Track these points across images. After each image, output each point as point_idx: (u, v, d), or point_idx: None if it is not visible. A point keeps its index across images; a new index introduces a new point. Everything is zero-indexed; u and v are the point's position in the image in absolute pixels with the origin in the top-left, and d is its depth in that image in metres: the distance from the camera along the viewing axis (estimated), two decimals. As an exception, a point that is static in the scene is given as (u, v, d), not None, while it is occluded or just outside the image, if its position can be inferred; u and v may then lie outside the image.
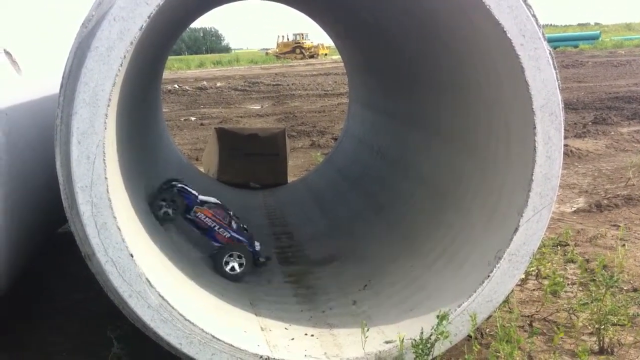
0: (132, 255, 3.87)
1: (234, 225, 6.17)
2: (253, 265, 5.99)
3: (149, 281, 3.91)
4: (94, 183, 3.78)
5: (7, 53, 5.43)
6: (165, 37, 7.36)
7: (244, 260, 5.82)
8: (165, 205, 5.80)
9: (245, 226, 6.47)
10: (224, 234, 6.03)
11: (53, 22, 7.35)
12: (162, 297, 3.93)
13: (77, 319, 5.70)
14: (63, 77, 3.89)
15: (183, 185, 6.11)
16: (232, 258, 5.80)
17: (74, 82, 3.78)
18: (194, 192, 6.14)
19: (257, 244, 6.28)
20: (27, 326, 5.57)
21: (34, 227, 5.40)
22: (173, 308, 3.95)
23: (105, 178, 3.79)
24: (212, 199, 6.28)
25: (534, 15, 4.06)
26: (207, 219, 6.01)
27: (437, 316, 4.13)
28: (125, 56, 3.79)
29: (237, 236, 6.07)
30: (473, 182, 5.16)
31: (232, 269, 5.78)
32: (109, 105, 3.78)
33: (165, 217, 5.78)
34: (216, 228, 6.02)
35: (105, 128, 3.79)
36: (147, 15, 3.78)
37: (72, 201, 3.84)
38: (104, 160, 3.79)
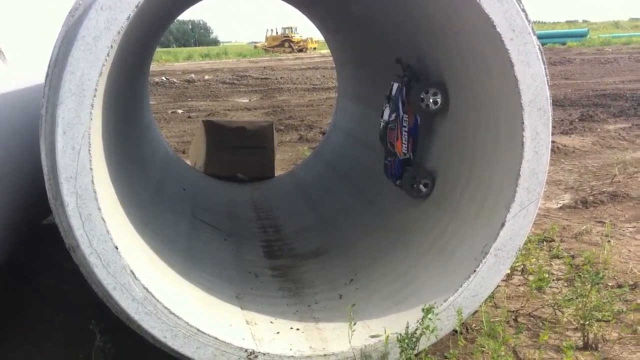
0: (116, 248, 3.83)
1: (391, 117, 5.89)
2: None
3: (133, 273, 3.87)
4: (79, 174, 3.74)
5: (-8, 42, 5.37)
6: (153, 27, 7.31)
7: (434, 89, 5.53)
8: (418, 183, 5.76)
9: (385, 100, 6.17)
10: (406, 118, 5.79)
11: (39, 10, 7.27)
12: (147, 290, 3.90)
13: (62, 311, 5.66)
14: (49, 66, 3.84)
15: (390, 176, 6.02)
16: (427, 96, 5.53)
17: (60, 71, 3.73)
18: (386, 162, 6.05)
19: (392, 82, 5.99)
20: (12, 318, 5.52)
21: (18, 218, 5.35)
22: (158, 301, 3.92)
23: (91, 169, 3.75)
24: None
25: (523, 10, 4.06)
26: (403, 141, 5.83)
27: (423, 309, 4.13)
28: (112, 46, 3.74)
29: (402, 104, 5.76)
30: (462, 176, 5.16)
31: (435, 102, 5.53)
32: (95, 96, 3.74)
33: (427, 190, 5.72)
34: (405, 128, 5.81)
35: (92, 118, 3.74)
36: (135, 4, 3.74)
37: (57, 192, 3.80)
38: (89, 151, 3.75)
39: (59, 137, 3.70)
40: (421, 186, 5.76)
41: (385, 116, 6.03)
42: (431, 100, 5.56)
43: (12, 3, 6.81)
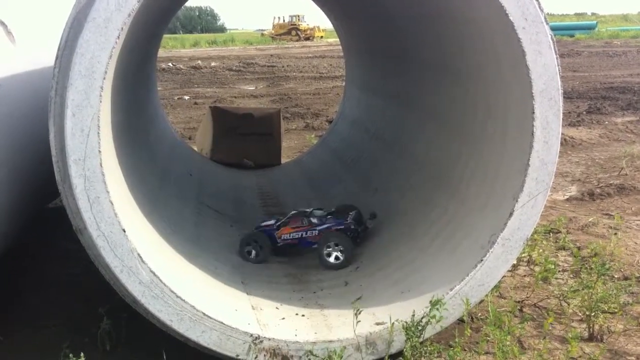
0: (124, 230, 3.84)
1: (314, 220, 6.12)
2: (356, 239, 5.99)
3: (140, 257, 3.88)
4: (88, 156, 3.74)
5: (2, 23, 5.35)
6: (162, 12, 7.28)
7: (342, 247, 5.78)
8: (253, 247, 5.91)
9: (331, 210, 6.37)
10: (314, 234, 6.03)
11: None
12: (154, 274, 3.91)
13: (67, 294, 5.68)
14: (59, 48, 3.83)
15: (262, 224, 6.20)
16: (329, 249, 5.79)
17: (70, 53, 3.73)
18: (268, 221, 6.22)
19: (350, 215, 6.15)
20: (17, 300, 5.55)
21: (25, 200, 5.36)
22: (164, 285, 3.93)
23: (99, 151, 3.76)
24: (290, 214, 6.27)
25: (536, -1, 4.03)
26: (292, 234, 6.05)
27: (431, 301, 4.13)
28: (122, 28, 3.74)
29: (324, 227, 6.03)
30: (469, 165, 5.14)
31: (337, 258, 5.76)
32: (105, 78, 3.74)
33: (257, 259, 5.89)
34: (304, 235, 6.05)
35: (101, 101, 3.75)
36: (145, -14, 3.73)
37: (65, 174, 3.80)
38: (98, 133, 3.75)
39: (68, 119, 3.70)
40: None
41: (316, 212, 6.28)
42: (335, 255, 5.77)
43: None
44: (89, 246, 3.94)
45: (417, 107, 6.82)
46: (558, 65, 4.12)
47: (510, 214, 4.25)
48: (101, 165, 3.76)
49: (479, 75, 5.04)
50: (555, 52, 4.10)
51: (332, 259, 5.76)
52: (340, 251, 5.77)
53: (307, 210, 6.34)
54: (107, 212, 3.81)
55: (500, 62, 4.54)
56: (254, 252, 5.90)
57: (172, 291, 3.95)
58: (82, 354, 3.93)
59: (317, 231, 6.04)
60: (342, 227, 6.03)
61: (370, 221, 6.21)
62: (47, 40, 5.59)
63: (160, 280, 3.94)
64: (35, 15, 6.44)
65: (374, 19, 7.60)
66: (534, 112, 4.11)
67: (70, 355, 3.95)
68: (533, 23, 4.01)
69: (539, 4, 4.03)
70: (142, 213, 4.68)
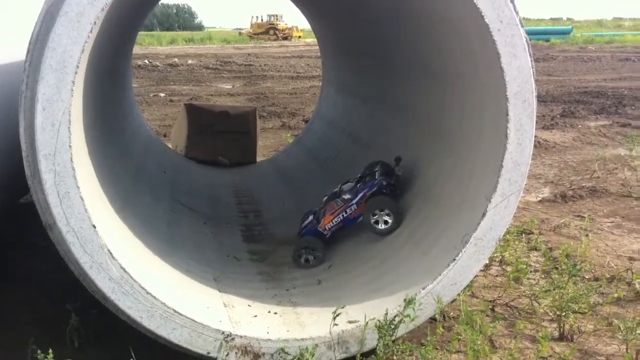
0: (94, 226, 3.79)
1: (346, 196, 5.90)
2: (395, 192, 5.76)
3: (110, 253, 3.84)
4: (58, 151, 3.69)
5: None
6: (137, 8, 7.22)
7: (389, 210, 5.55)
8: (307, 253, 5.76)
9: (355, 179, 6.12)
10: (353, 210, 5.81)
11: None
12: (124, 270, 3.87)
13: (38, 290, 5.61)
14: (30, 41, 3.77)
15: (303, 225, 6.07)
16: (375, 216, 5.58)
17: (42, 47, 3.68)
18: (307, 220, 6.09)
19: (376, 171, 5.92)
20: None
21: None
22: (135, 281, 3.89)
23: (70, 146, 3.71)
24: (324, 199, 6.13)
25: (512, 2, 4.06)
26: (334, 220, 5.87)
27: (405, 300, 4.13)
28: (95, 22, 3.69)
29: (359, 198, 5.79)
30: (445, 166, 5.17)
31: (385, 222, 5.56)
32: (76, 73, 3.69)
33: (317, 262, 5.74)
34: (345, 215, 5.84)
35: (72, 95, 3.70)
36: (119, -20, 3.69)
37: (35, 169, 3.75)
38: (69, 128, 3.70)
39: (38, 113, 3.65)
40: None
41: (345, 187, 6.06)
42: (384, 219, 5.59)
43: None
44: (59, 242, 3.89)
45: (394, 107, 6.83)
46: (533, 68, 4.15)
47: (483, 214, 4.27)
48: (72, 160, 3.71)
49: (456, 76, 5.06)
50: (530, 55, 4.13)
51: (382, 225, 5.57)
52: (387, 214, 5.56)
53: (336, 189, 6.14)
54: (77, 207, 3.76)
55: (476, 63, 4.56)
56: (311, 257, 5.75)
57: (142, 287, 3.91)
58: (50, 351, 3.87)
59: (355, 205, 5.80)
60: (375, 189, 5.75)
61: (398, 167, 5.90)
62: (19, 33, 5.51)
63: (131, 277, 3.89)
64: (6, 9, 6.35)
65: (351, 19, 7.61)
66: (508, 114, 4.13)
67: (39, 351, 3.89)
68: (508, 25, 4.04)
69: (514, 6, 4.05)
70: (113, 209, 4.63)
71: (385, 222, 5.55)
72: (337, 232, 5.93)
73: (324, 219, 5.90)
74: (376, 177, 5.83)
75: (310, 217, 6.10)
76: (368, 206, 5.64)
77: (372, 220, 5.57)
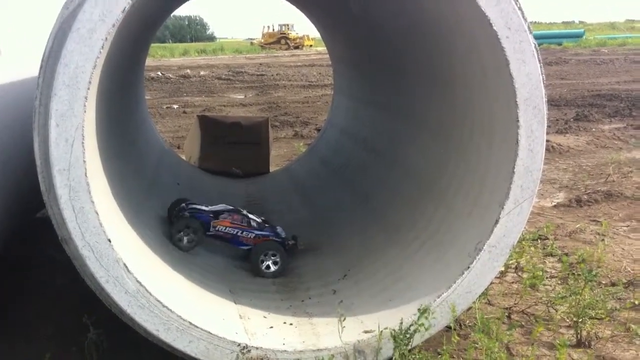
0: (109, 240, 3.82)
1: (253, 223, 6.16)
2: (285, 254, 6.02)
3: (126, 267, 3.87)
4: (72, 166, 3.73)
5: (-13, 33, 5.34)
6: (149, 21, 7.28)
7: (278, 257, 5.89)
8: (185, 234, 5.82)
9: (262, 218, 6.44)
10: (249, 236, 6.06)
11: (33, 2, 7.24)
12: (140, 283, 3.89)
13: (55, 304, 5.64)
14: (43, 58, 3.82)
15: (193, 206, 6.12)
16: (266, 257, 5.87)
17: (54, 63, 3.72)
18: (204, 207, 6.16)
19: (279, 229, 6.30)
20: (4, 311, 5.50)
21: (11, 211, 5.33)
22: (150, 294, 3.91)
23: (84, 161, 3.74)
24: (221, 206, 6.28)
25: (520, 8, 4.06)
26: (228, 229, 6.04)
27: (419, 309, 4.12)
28: (107, 38, 3.73)
29: (262, 234, 6.09)
30: (456, 174, 5.16)
31: (268, 267, 5.86)
32: (89, 88, 3.73)
33: (190, 246, 5.82)
34: (239, 233, 6.05)
35: (85, 111, 3.73)
36: (130, -3, 3.72)
37: (50, 185, 3.79)
38: (82, 143, 3.74)
39: (52, 129, 3.69)
40: None
41: (252, 215, 6.30)
42: (270, 261, 5.90)
43: (7, -5, 6.78)
44: (75, 256, 3.92)
45: (405, 115, 6.83)
46: (542, 73, 4.14)
47: (496, 222, 4.26)
48: (86, 176, 3.75)
49: (466, 84, 5.06)
50: (539, 60, 4.12)
51: (265, 268, 5.85)
52: (275, 262, 5.87)
53: (243, 210, 6.34)
54: (92, 222, 3.79)
55: (485, 71, 4.56)
56: (185, 239, 5.81)
57: (158, 301, 3.93)
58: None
59: (253, 235, 6.06)
60: (279, 240, 6.12)
61: (290, 242, 6.28)
62: (32, 50, 5.57)
63: (147, 290, 3.92)
64: (20, 26, 6.43)
65: (361, 29, 7.63)
66: (518, 121, 4.13)
67: (57, 365, 3.92)
68: (516, 32, 4.04)
69: (522, 13, 4.05)
70: (128, 223, 4.66)
71: (268, 267, 5.88)
72: (215, 239, 6.08)
73: (222, 220, 6.07)
74: (282, 233, 6.26)
75: (205, 208, 6.19)
76: (264, 245, 5.95)
77: (260, 259, 5.86)
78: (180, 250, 5.71)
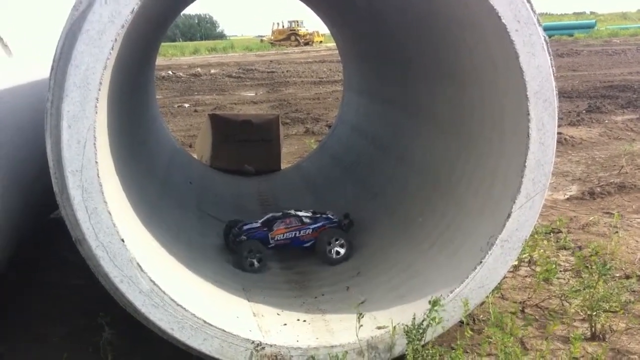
0: (123, 240, 3.85)
1: (305, 219, 6.21)
2: (345, 234, 6.11)
3: (140, 266, 3.89)
4: (85, 167, 3.75)
5: (-2, 36, 5.38)
6: (158, 21, 7.31)
7: (343, 241, 5.98)
8: (252, 257, 5.84)
9: (311, 210, 6.48)
10: (307, 232, 6.14)
11: (44, 4, 7.28)
12: (154, 282, 3.92)
13: (70, 305, 5.68)
14: (54, 60, 3.84)
15: (246, 227, 6.15)
16: (331, 245, 5.96)
17: (65, 65, 3.74)
18: (255, 224, 6.20)
19: (330, 213, 6.38)
20: (20, 312, 5.55)
21: (24, 213, 5.37)
22: (164, 293, 3.94)
23: (96, 162, 3.77)
24: (269, 215, 6.32)
25: (528, 1, 4.04)
26: (285, 234, 6.11)
27: (430, 302, 4.13)
28: (116, 39, 3.75)
29: (317, 225, 6.16)
30: (467, 168, 5.15)
31: (337, 253, 5.94)
32: (100, 89, 3.75)
33: (262, 265, 5.88)
34: (297, 234, 6.13)
35: (96, 112, 3.76)
36: (139, -3, 3.74)
37: (63, 186, 3.81)
38: (94, 144, 3.76)
39: (64, 131, 3.71)
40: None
41: (301, 212, 6.34)
42: (335, 250, 5.99)
43: (18, -2, 6.82)
44: (89, 257, 3.95)
45: (416, 111, 6.83)
46: (552, 66, 4.12)
47: (508, 216, 4.25)
48: (98, 176, 3.77)
49: (475, 78, 5.05)
50: (549, 53, 4.11)
51: (335, 255, 5.91)
52: (341, 245, 5.94)
53: (289, 211, 6.38)
54: (106, 222, 3.82)
55: (495, 64, 4.55)
56: (255, 261, 5.84)
57: (172, 299, 3.96)
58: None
59: (310, 230, 6.12)
60: (335, 224, 6.18)
61: (346, 221, 6.37)
62: (43, 51, 5.61)
63: (160, 289, 3.94)
64: (30, 27, 6.47)
65: (370, 24, 7.61)
66: (529, 114, 4.11)
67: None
68: (526, 25, 4.02)
69: (531, 5, 4.03)
70: (141, 222, 4.69)
71: (337, 253, 5.93)
72: (278, 248, 6.14)
73: (277, 229, 6.11)
74: (332, 216, 6.34)
75: (256, 224, 6.21)
76: (325, 234, 6.01)
77: (327, 249, 5.92)
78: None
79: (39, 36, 6.36)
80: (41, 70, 5.47)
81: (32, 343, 5.04)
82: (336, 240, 5.96)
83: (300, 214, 6.29)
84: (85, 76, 3.71)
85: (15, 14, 6.48)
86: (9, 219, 4.88)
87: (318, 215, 6.32)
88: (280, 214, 6.31)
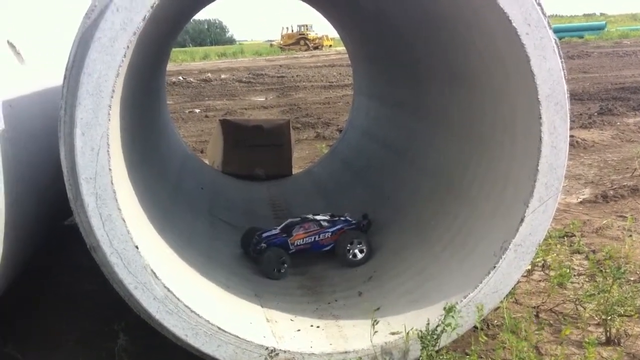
0: (137, 247, 3.86)
1: (324, 223, 6.23)
2: (364, 236, 6.14)
3: (154, 273, 3.90)
4: (98, 174, 3.77)
5: (11, 44, 5.40)
6: (169, 27, 7.34)
7: (363, 244, 5.99)
8: (276, 264, 5.85)
9: (329, 213, 6.50)
10: (326, 236, 6.16)
11: (56, 12, 7.32)
12: (168, 289, 3.93)
13: (84, 311, 5.70)
14: (66, 68, 3.87)
15: (265, 235, 6.15)
16: (351, 247, 5.97)
17: (78, 73, 3.76)
18: (274, 230, 6.20)
19: (347, 215, 6.42)
20: (34, 318, 5.57)
21: (39, 219, 5.39)
22: (179, 299, 3.95)
23: (110, 169, 3.79)
24: (288, 221, 6.33)
25: (539, 4, 4.03)
26: (305, 239, 6.12)
27: (444, 308, 4.12)
28: (128, 47, 3.77)
29: (336, 228, 6.19)
30: (479, 172, 5.13)
31: (355, 255, 5.97)
32: (112, 96, 3.77)
33: (287, 270, 5.88)
34: (317, 238, 6.14)
35: (109, 119, 3.78)
36: (150, 5, 3.77)
37: (77, 193, 3.83)
38: (108, 151, 3.78)
39: (77, 138, 3.73)
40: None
41: (319, 216, 6.35)
42: (357, 249, 6.00)
43: (29, 5, 6.86)
44: (103, 263, 3.97)
45: (426, 115, 6.82)
46: (563, 69, 4.11)
47: (522, 220, 4.23)
48: (112, 183, 3.79)
49: (486, 81, 5.04)
50: (560, 56, 4.09)
51: (355, 256, 5.93)
52: (361, 249, 5.96)
53: (307, 216, 6.39)
54: (120, 229, 3.84)
55: (506, 68, 4.53)
56: (280, 268, 5.84)
57: (186, 306, 3.97)
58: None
59: (329, 233, 6.13)
60: (354, 226, 6.20)
61: (365, 222, 6.40)
62: (55, 59, 5.63)
63: (175, 296, 3.95)
64: (42, 35, 6.50)
65: (379, 27, 7.62)
66: (540, 117, 4.10)
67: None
68: (536, 28, 4.01)
69: (541, 8, 4.02)
70: (154, 228, 4.71)
71: (354, 255, 5.96)
72: (299, 253, 6.12)
73: (296, 235, 6.11)
74: (351, 218, 6.36)
75: (275, 231, 6.19)
76: (345, 236, 6.01)
77: (347, 251, 5.94)
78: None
79: (51, 44, 6.39)
80: (53, 78, 5.50)
81: (47, 350, 5.05)
82: (357, 242, 5.96)
83: (318, 217, 6.29)
84: (98, 84, 3.73)
85: (27, 22, 6.52)
86: (23, 225, 4.90)
87: (336, 218, 6.33)
88: (299, 219, 6.32)
